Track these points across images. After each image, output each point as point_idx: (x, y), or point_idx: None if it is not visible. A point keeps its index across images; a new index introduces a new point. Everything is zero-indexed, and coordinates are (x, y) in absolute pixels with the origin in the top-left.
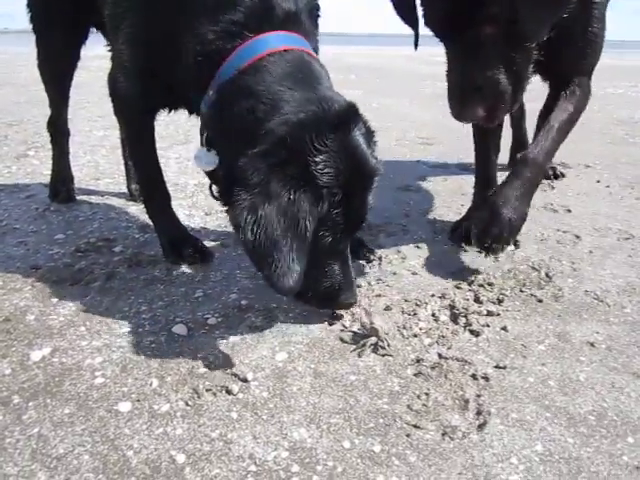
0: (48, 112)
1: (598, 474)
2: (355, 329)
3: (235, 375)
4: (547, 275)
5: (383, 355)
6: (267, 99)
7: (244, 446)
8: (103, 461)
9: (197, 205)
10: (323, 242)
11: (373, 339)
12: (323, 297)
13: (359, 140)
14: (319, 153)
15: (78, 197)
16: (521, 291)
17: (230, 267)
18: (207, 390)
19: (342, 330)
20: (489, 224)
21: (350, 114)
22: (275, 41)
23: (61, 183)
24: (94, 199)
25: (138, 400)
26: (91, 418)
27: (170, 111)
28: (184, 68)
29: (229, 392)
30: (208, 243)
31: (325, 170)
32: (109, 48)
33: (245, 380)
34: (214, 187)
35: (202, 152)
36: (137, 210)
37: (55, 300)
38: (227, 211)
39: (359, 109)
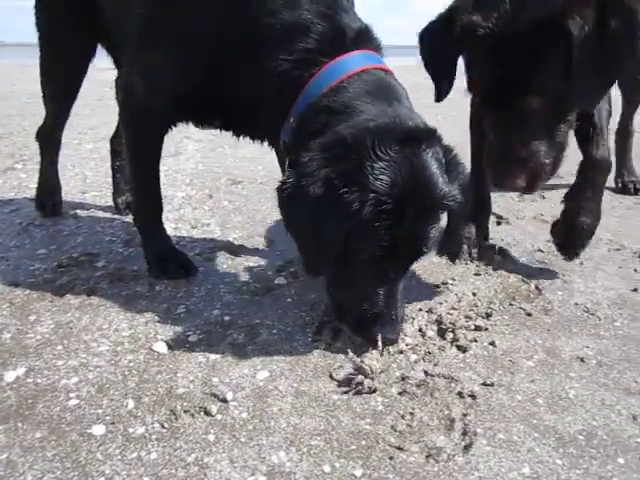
0: (38, 124)
1: None
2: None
3: (214, 395)
4: (537, 288)
5: (370, 393)
6: (342, 112)
7: (220, 471)
8: None
9: (184, 218)
10: (363, 256)
11: (360, 378)
12: (357, 322)
13: (429, 162)
14: (378, 159)
15: (64, 211)
16: (510, 305)
17: (214, 282)
18: (185, 411)
19: (325, 348)
20: (569, 234)
21: (424, 134)
22: (351, 63)
23: (48, 196)
24: (80, 213)
25: (112, 423)
26: (63, 443)
27: (198, 125)
28: (253, 97)
29: (207, 413)
30: (193, 257)
31: (380, 177)
32: (129, 53)
33: (224, 400)
34: None
35: (287, 123)
36: (122, 224)
37: (33, 318)
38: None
39: (438, 134)
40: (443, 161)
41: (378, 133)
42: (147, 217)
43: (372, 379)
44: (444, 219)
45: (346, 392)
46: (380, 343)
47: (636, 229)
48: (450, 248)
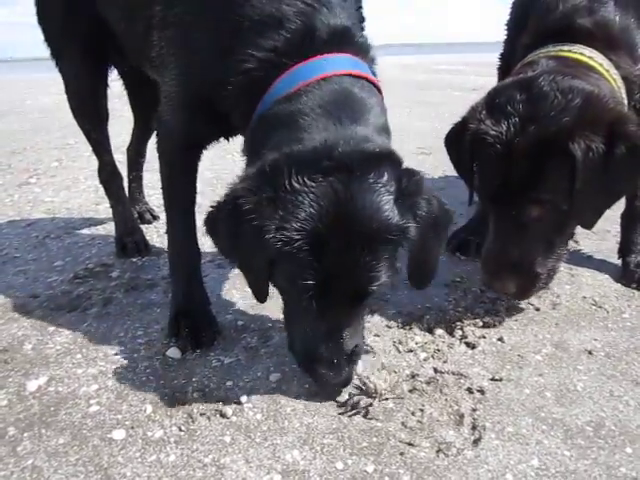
0: (50, 139)
1: None
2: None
3: (229, 398)
4: None
5: (370, 418)
6: (284, 127)
7: (237, 471)
8: None
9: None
10: (291, 291)
11: (365, 400)
12: (303, 357)
13: (361, 191)
14: (292, 192)
15: (77, 223)
16: (518, 300)
17: (226, 288)
18: (201, 414)
19: None
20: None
21: (369, 159)
22: (314, 69)
23: (127, 235)
24: (93, 224)
25: (132, 427)
26: (85, 447)
27: (228, 139)
28: (233, 100)
29: (223, 415)
30: (205, 265)
31: (293, 211)
32: (160, 86)
33: (239, 403)
34: None
35: None
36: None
37: (52, 328)
38: None
39: (394, 158)
40: (392, 189)
41: (299, 161)
42: (179, 263)
43: (374, 399)
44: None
45: (342, 413)
46: (327, 384)
47: None
48: (419, 279)
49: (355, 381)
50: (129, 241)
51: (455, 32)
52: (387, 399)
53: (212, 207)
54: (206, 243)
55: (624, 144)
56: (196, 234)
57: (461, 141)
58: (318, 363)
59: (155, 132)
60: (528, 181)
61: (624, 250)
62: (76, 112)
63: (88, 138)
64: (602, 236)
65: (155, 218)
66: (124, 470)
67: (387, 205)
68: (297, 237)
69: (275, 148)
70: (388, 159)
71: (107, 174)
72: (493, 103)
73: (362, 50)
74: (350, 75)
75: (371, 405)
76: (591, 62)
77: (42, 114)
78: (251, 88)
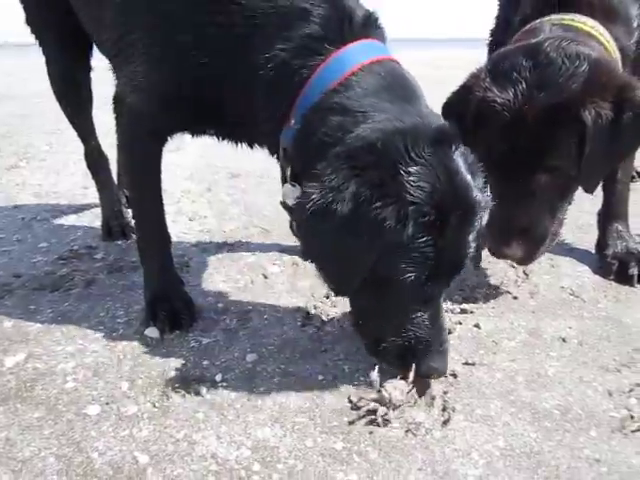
0: (42, 123)
1: (558, 467)
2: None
3: (205, 377)
4: (524, 273)
5: (382, 426)
6: (359, 112)
7: (207, 446)
8: (67, 463)
9: (182, 211)
10: (405, 280)
11: (373, 406)
12: (398, 355)
13: (461, 164)
14: (414, 164)
15: (64, 206)
16: (497, 289)
17: (209, 272)
18: (176, 392)
19: (314, 333)
20: (623, 258)
21: (450, 135)
22: (362, 52)
23: (113, 218)
24: (80, 208)
25: (107, 403)
26: (59, 422)
27: (194, 135)
28: (246, 96)
29: (197, 393)
30: (189, 249)
31: (418, 184)
32: (114, 65)
33: (214, 381)
34: (294, 224)
35: (288, 189)
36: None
37: (33, 307)
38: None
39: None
40: (470, 162)
41: (409, 135)
42: (151, 252)
43: (388, 409)
44: None
45: (355, 419)
46: (427, 375)
47: (631, 215)
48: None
49: (370, 386)
50: (115, 225)
51: (458, 27)
52: (403, 407)
53: (308, 196)
54: (193, 228)
55: (631, 110)
56: (165, 218)
57: (464, 108)
58: (424, 351)
59: (115, 113)
60: (538, 148)
61: (602, 244)
62: (57, 95)
63: (71, 122)
64: (585, 230)
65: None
66: (96, 444)
67: (475, 178)
68: (426, 212)
69: (367, 129)
70: (457, 135)
71: (93, 159)
72: (497, 70)
73: (384, 38)
74: (392, 60)
75: (387, 414)
76: (593, 31)
77: (34, 99)
78: (282, 82)
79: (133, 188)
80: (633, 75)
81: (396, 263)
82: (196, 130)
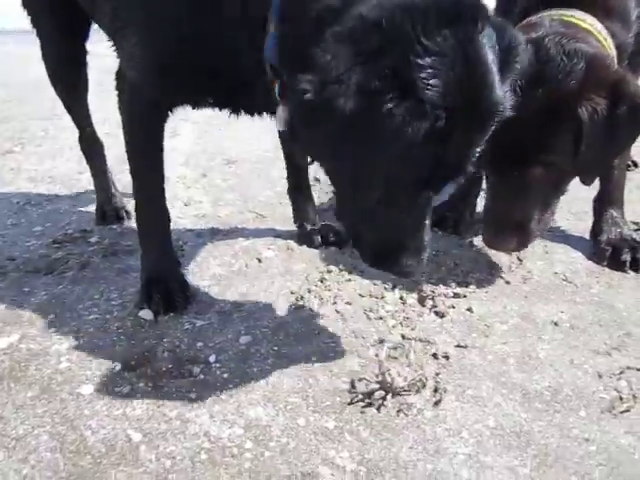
0: (38, 109)
1: (547, 446)
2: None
3: (198, 358)
4: (518, 258)
5: (379, 409)
6: None
7: (200, 425)
8: (61, 440)
9: (177, 197)
10: (401, 181)
11: (380, 393)
12: (376, 250)
13: (485, 52)
14: (426, 53)
15: (60, 191)
16: (490, 274)
17: (203, 256)
18: (169, 372)
19: (307, 315)
20: (617, 244)
21: (476, 9)
22: None
23: (107, 203)
24: (75, 193)
25: (100, 383)
26: (53, 401)
27: (195, 107)
28: (231, 46)
29: (191, 374)
30: (184, 233)
31: (431, 80)
32: (114, 42)
33: (207, 362)
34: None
35: (280, 110)
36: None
37: (27, 289)
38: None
39: (486, 9)
40: (496, 47)
41: (421, 11)
42: (150, 231)
43: (387, 394)
44: None
45: (353, 401)
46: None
47: (625, 203)
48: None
49: (372, 369)
50: (109, 209)
51: None
52: (402, 395)
53: (303, 80)
54: (189, 213)
55: (626, 104)
56: (165, 198)
57: None
58: (403, 250)
59: (117, 90)
60: (534, 143)
61: (596, 230)
62: (52, 80)
63: (66, 107)
64: (580, 216)
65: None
66: (90, 422)
67: (498, 71)
68: (438, 114)
69: (366, 5)
70: (486, 11)
71: (88, 144)
72: None
73: None
74: None
75: (385, 399)
76: (591, 29)
77: (31, 85)
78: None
79: (135, 166)
80: (631, 71)
81: (396, 165)
82: (195, 99)
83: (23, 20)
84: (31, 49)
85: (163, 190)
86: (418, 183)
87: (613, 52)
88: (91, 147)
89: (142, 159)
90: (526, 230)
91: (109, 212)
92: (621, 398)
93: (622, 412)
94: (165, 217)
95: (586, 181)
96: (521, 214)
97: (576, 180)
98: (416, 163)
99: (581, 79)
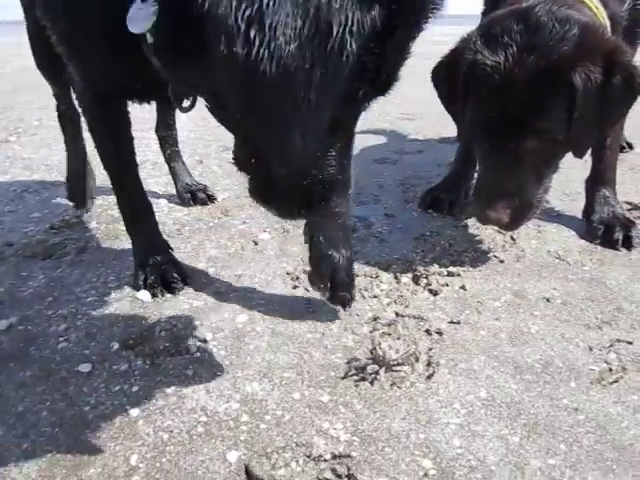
0: (33, 99)
1: (537, 416)
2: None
3: (194, 336)
4: (512, 238)
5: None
6: None
7: (197, 400)
8: (60, 416)
9: (172, 183)
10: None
11: (373, 367)
12: (288, 196)
13: None
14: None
15: (57, 178)
16: (484, 253)
17: (200, 239)
18: (166, 350)
19: (302, 295)
20: (609, 223)
21: None
22: None
23: (75, 181)
24: None
25: (99, 362)
26: (52, 379)
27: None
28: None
29: (188, 351)
30: (182, 218)
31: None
32: None
33: (204, 340)
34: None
35: (135, 7)
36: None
37: (25, 274)
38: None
39: None
40: None
41: None
42: (132, 217)
43: (380, 367)
44: None
45: (347, 375)
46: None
47: (618, 184)
48: None
49: (367, 345)
50: (77, 188)
51: (457, 4)
52: (395, 370)
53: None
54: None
55: (620, 74)
56: (142, 186)
57: (453, 72)
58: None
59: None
60: (527, 111)
61: (589, 209)
62: (36, 62)
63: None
64: (573, 197)
65: (211, 198)
66: (88, 399)
67: None
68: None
69: None
70: None
71: (64, 116)
72: (489, 33)
73: None
74: None
75: (378, 373)
76: None
77: (26, 75)
78: None
79: (104, 158)
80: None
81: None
82: (130, 90)
83: (15, 11)
84: (23, 40)
85: (136, 176)
86: (352, 100)
87: (606, 22)
88: (65, 119)
89: (106, 149)
90: (519, 205)
91: (77, 193)
92: (610, 370)
93: (611, 383)
94: (144, 203)
95: (578, 153)
96: (513, 185)
97: (570, 162)
98: (350, 72)
99: (575, 46)
